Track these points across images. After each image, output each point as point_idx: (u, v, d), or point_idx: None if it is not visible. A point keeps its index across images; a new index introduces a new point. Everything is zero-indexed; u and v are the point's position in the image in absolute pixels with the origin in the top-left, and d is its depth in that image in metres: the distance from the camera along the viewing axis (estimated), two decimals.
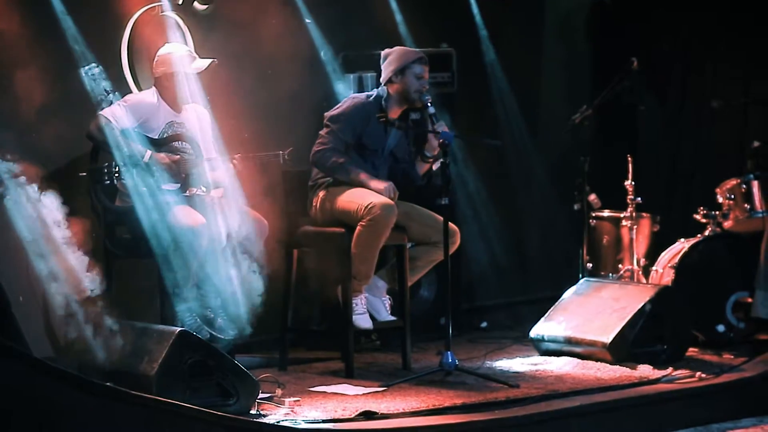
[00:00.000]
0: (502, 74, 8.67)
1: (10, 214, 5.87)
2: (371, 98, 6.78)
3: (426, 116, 6.71)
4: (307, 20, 7.37)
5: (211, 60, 6.49)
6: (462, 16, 8.41)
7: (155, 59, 6.48)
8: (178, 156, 6.38)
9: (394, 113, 6.79)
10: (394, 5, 7.89)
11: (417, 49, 6.90)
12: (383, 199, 6.54)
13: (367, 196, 6.55)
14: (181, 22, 6.87)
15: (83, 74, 6.40)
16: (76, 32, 6.41)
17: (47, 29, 6.39)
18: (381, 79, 6.81)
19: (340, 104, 6.79)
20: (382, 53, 6.84)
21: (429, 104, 6.67)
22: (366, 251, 6.55)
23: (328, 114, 6.75)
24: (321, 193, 6.72)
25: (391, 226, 6.55)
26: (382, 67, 6.80)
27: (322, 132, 6.70)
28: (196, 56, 6.53)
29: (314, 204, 6.75)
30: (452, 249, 6.53)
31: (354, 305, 6.61)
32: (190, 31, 6.89)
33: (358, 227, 6.53)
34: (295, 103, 7.06)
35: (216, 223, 6.29)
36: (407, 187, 6.84)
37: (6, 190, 5.85)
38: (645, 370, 6.59)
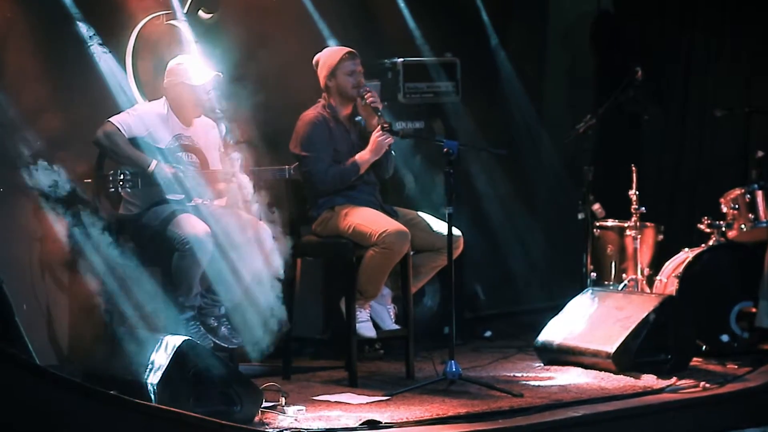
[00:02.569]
0: (506, 83, 8.68)
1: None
2: (319, 109, 6.76)
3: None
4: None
5: (215, 73, 6.49)
6: (467, 26, 8.41)
7: (166, 69, 6.48)
8: (184, 167, 6.38)
9: (345, 113, 6.79)
10: (406, 13, 7.91)
11: (342, 47, 6.81)
12: (397, 226, 6.54)
13: (380, 222, 6.55)
14: (185, 30, 6.87)
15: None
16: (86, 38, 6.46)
17: (57, 41, 6.42)
18: (320, 85, 6.80)
19: (298, 132, 6.72)
20: (314, 60, 6.83)
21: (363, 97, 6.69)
22: (375, 276, 6.57)
23: (296, 147, 6.69)
24: (327, 214, 6.71)
25: (404, 252, 6.55)
26: (318, 74, 6.80)
27: (304, 166, 6.64)
28: (205, 68, 6.52)
29: (319, 223, 6.74)
30: (455, 254, 6.53)
31: (357, 313, 6.60)
32: (194, 40, 6.89)
33: (369, 251, 6.53)
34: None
35: (220, 232, 6.29)
36: (384, 177, 6.85)
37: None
38: (649, 380, 6.58)
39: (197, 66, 6.50)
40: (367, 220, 6.59)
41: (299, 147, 6.70)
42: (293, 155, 6.71)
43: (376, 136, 6.68)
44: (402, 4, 7.95)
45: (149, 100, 6.63)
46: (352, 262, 6.57)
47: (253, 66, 6.99)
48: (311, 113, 6.76)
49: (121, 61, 6.70)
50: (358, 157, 6.69)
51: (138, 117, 6.34)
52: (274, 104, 7.02)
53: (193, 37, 6.85)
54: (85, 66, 6.56)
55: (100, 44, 6.47)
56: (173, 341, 5.57)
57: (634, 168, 7.63)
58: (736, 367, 7.02)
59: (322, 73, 6.77)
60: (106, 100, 6.57)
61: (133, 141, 6.30)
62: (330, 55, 6.78)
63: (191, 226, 6.21)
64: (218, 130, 6.61)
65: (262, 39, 7.01)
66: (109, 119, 6.30)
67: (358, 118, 6.85)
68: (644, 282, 7.70)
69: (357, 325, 6.60)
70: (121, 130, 6.26)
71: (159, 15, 6.81)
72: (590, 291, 7.31)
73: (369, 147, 6.69)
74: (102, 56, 6.54)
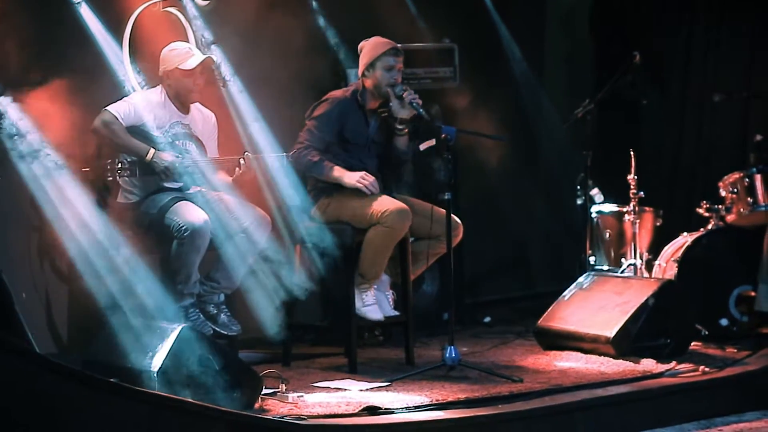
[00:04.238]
0: (505, 68, 8.67)
1: None
2: (348, 93, 6.75)
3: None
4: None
5: (205, 56, 6.47)
6: (467, 11, 8.40)
7: (160, 57, 6.47)
8: (181, 155, 6.38)
9: (372, 106, 6.77)
10: None
11: (387, 40, 6.76)
12: (398, 205, 6.53)
13: (381, 202, 6.55)
14: (182, 17, 6.86)
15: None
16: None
17: (54, 28, 6.42)
18: (358, 73, 6.79)
19: (318, 104, 6.73)
20: (359, 46, 6.81)
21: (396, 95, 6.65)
22: (377, 255, 6.56)
23: (307, 114, 6.71)
24: (326, 200, 6.70)
25: (405, 231, 6.55)
26: (359, 60, 6.78)
27: (301, 133, 6.67)
28: (197, 53, 6.51)
29: (317, 209, 6.73)
30: (455, 242, 6.54)
31: (363, 297, 6.60)
32: (191, 27, 6.88)
33: (370, 231, 6.53)
34: (301, 101, 7.05)
35: (218, 219, 6.29)
36: (400, 167, 6.83)
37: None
38: (648, 364, 6.59)
39: (190, 51, 6.48)
40: (368, 200, 6.58)
41: (308, 116, 6.69)
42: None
43: (360, 183, 6.56)
44: None
45: (151, 87, 6.61)
46: (353, 247, 6.57)
47: (248, 53, 6.97)
48: (339, 93, 6.76)
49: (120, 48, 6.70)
50: (337, 169, 6.60)
51: (135, 105, 6.33)
52: (268, 92, 7.01)
53: (189, 23, 6.85)
54: (86, 64, 6.55)
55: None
56: (173, 329, 5.57)
57: (632, 152, 7.63)
58: (735, 350, 7.04)
59: (362, 61, 6.72)
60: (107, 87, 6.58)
61: (131, 129, 6.29)
62: (374, 45, 6.73)
63: (190, 213, 6.21)
64: (214, 118, 6.60)
65: (258, 24, 6.99)
66: (107, 107, 6.28)
67: (381, 111, 6.80)
68: (643, 266, 7.71)
69: (363, 308, 6.59)
70: (118, 118, 6.25)
71: (156, 2, 6.79)
72: (589, 276, 7.32)
73: (349, 176, 6.58)
74: (103, 42, 6.53)
